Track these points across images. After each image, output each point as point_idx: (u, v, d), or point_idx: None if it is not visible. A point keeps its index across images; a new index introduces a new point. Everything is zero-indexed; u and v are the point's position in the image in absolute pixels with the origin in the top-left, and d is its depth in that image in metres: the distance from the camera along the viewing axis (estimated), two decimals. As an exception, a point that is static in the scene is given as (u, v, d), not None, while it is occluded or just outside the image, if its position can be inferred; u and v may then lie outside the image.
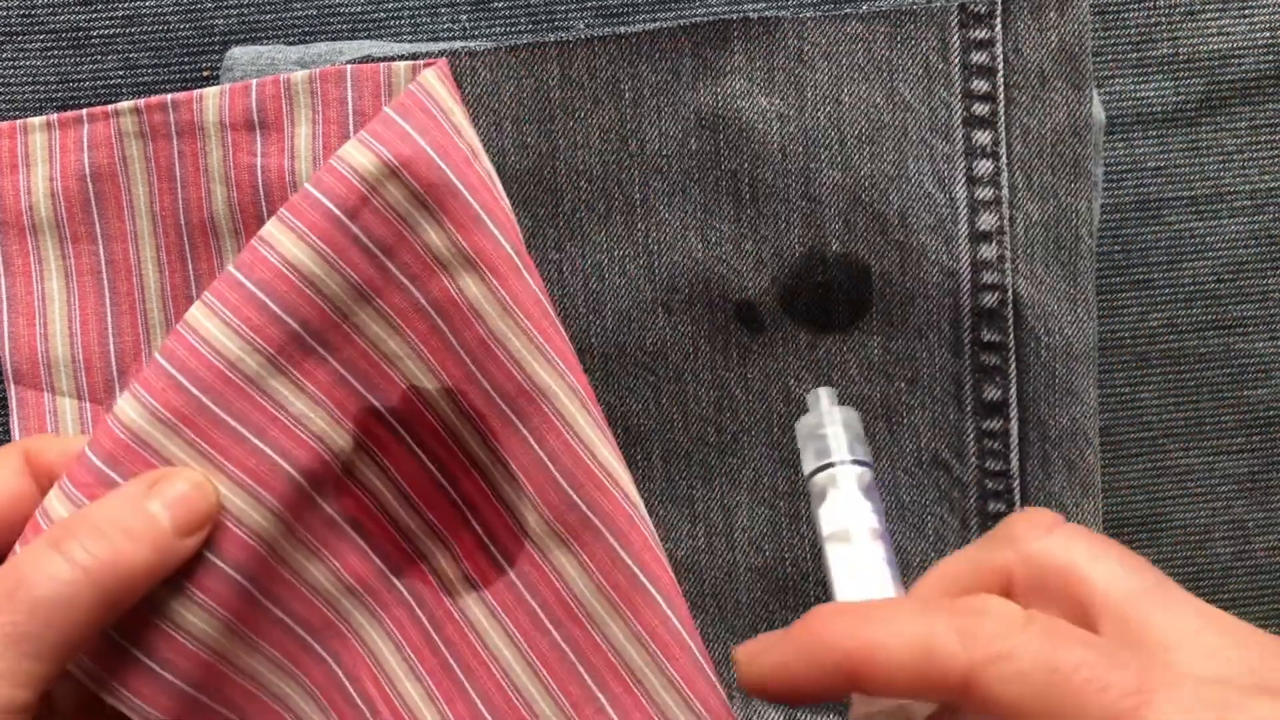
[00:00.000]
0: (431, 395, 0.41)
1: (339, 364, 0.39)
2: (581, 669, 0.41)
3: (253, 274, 0.37)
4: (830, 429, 0.37)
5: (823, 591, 0.44)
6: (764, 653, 0.31)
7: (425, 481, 0.41)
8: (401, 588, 0.42)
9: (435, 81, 0.39)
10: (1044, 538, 0.32)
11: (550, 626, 0.41)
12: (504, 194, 0.40)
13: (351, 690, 0.41)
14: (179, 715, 0.38)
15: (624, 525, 0.40)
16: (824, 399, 0.38)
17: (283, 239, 0.38)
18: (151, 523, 0.35)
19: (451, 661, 0.42)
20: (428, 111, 0.39)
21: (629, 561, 0.40)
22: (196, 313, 0.37)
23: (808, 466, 0.37)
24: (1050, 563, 0.31)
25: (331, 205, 0.38)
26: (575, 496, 0.40)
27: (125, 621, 0.36)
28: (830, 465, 0.36)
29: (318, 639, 0.41)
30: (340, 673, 0.41)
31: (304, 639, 0.41)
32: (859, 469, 0.36)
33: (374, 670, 0.41)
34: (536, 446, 0.40)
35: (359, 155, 0.38)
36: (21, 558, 0.34)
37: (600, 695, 0.40)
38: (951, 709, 0.31)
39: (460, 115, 0.40)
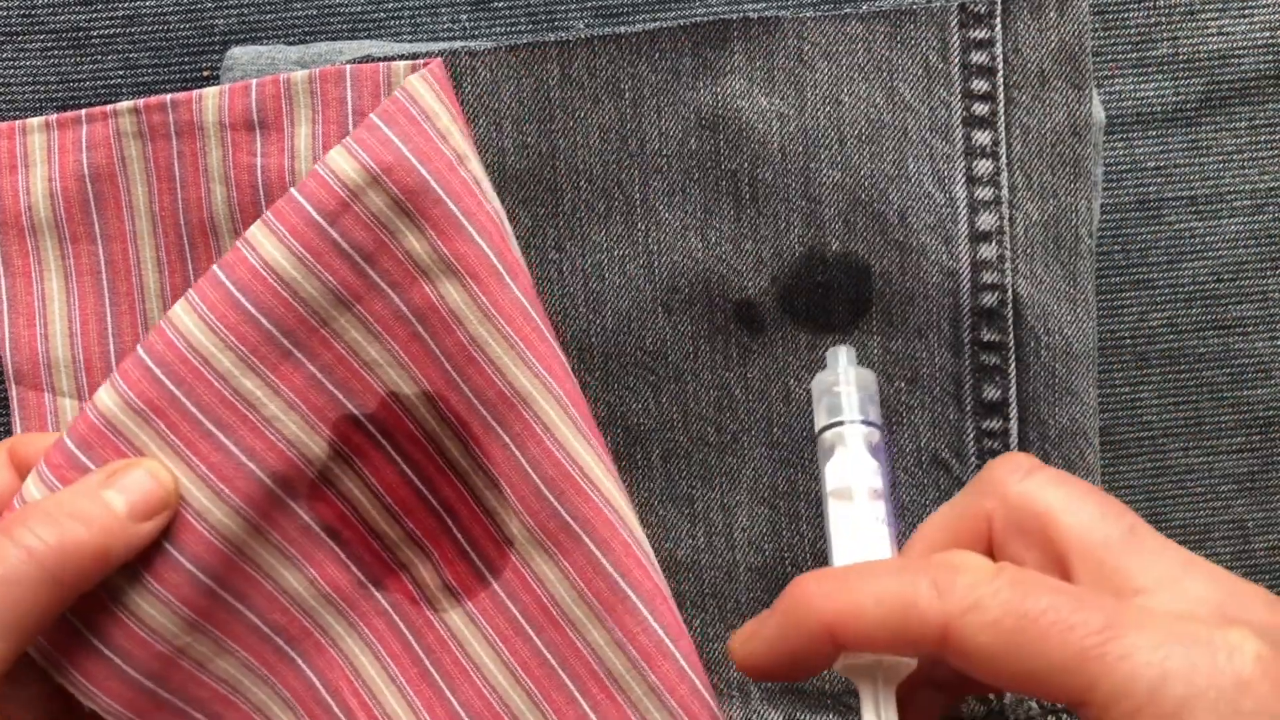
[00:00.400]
0: (411, 402, 0.41)
1: (316, 369, 0.39)
2: (564, 675, 0.40)
3: (232, 273, 0.38)
4: (844, 387, 0.38)
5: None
6: (754, 635, 0.33)
7: (405, 490, 0.41)
8: (380, 598, 0.42)
9: (420, 87, 0.39)
10: (1023, 481, 0.33)
11: (531, 633, 0.41)
12: (493, 198, 0.40)
13: (330, 701, 0.41)
14: (137, 707, 0.39)
15: (605, 532, 0.39)
16: (842, 357, 0.39)
17: (264, 241, 0.38)
18: (103, 508, 0.36)
19: (432, 670, 0.42)
20: (411, 118, 0.39)
21: (610, 568, 0.39)
22: (178, 308, 0.38)
23: (819, 422, 0.38)
24: (1028, 507, 0.32)
25: (312, 210, 0.38)
26: (556, 503, 0.40)
27: (84, 608, 0.37)
28: (840, 423, 0.37)
29: (295, 648, 0.41)
30: (318, 683, 0.41)
31: (281, 647, 0.41)
32: (867, 429, 0.37)
33: (353, 681, 0.41)
34: (518, 453, 0.40)
35: (342, 161, 0.38)
36: None
37: (582, 701, 0.40)
38: (934, 661, 0.32)
39: (446, 120, 0.39)
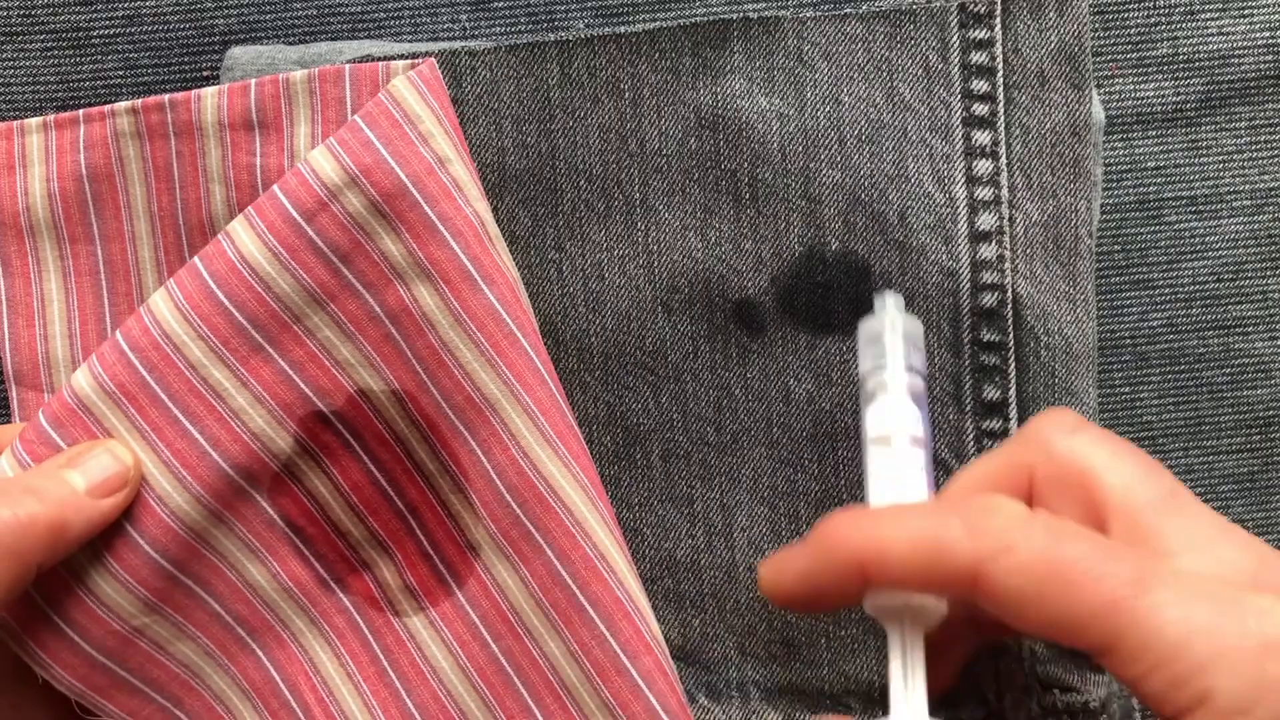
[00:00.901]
0: (381, 402, 0.41)
1: (287, 365, 0.40)
2: (519, 683, 0.41)
3: (210, 265, 0.39)
4: (889, 335, 0.38)
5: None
6: (783, 566, 0.33)
7: (370, 489, 0.41)
8: (342, 595, 0.42)
9: (405, 89, 0.40)
10: (1068, 438, 0.33)
11: (489, 639, 0.41)
12: (476, 200, 0.40)
13: (288, 695, 0.41)
14: (92, 683, 0.39)
15: (565, 544, 0.39)
16: (890, 303, 0.39)
17: (242, 235, 0.39)
18: (61, 484, 0.36)
19: (389, 670, 0.42)
20: (393, 120, 0.39)
21: (568, 580, 0.39)
22: (157, 296, 0.39)
23: (863, 367, 0.38)
24: (1071, 464, 0.32)
25: (290, 207, 0.39)
26: (519, 511, 0.40)
27: (47, 586, 0.38)
28: (883, 370, 0.37)
29: (256, 640, 0.41)
30: (278, 677, 0.41)
31: (242, 638, 0.41)
32: (911, 376, 0.37)
33: (311, 676, 0.41)
34: (483, 459, 0.40)
35: (323, 161, 0.39)
36: None
37: (536, 711, 0.40)
38: (962, 603, 0.32)
39: (430, 124, 0.40)
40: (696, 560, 0.44)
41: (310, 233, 0.39)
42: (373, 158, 0.38)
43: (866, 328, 0.39)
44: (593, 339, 0.43)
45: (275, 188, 0.39)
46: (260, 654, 0.41)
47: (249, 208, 0.39)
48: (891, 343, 0.38)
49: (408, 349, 0.40)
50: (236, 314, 0.38)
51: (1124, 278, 0.48)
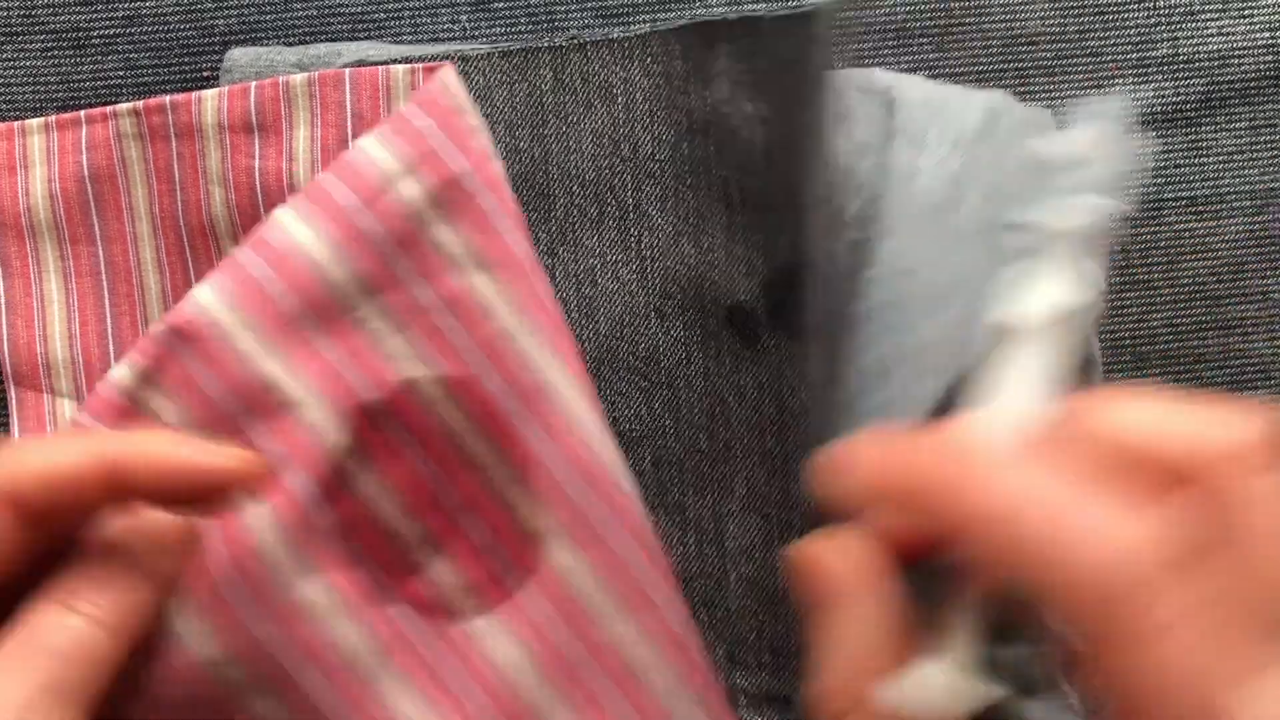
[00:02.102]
0: (433, 395, 0.40)
1: (337, 357, 0.39)
2: (587, 670, 0.40)
3: (258, 253, 0.37)
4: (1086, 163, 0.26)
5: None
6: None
7: (421, 487, 0.40)
8: (396, 601, 0.41)
9: (455, 80, 0.39)
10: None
11: (556, 629, 0.40)
12: (512, 196, 0.40)
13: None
14: None
15: (631, 526, 0.40)
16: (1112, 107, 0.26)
17: (292, 223, 0.37)
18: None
19: (447, 674, 0.41)
20: (449, 109, 0.39)
21: (632, 563, 0.40)
22: (204, 288, 0.37)
23: (1032, 213, 0.27)
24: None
25: (345, 195, 0.38)
26: (583, 497, 0.40)
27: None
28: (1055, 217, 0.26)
29: (306, 662, 0.39)
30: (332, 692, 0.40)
31: (293, 660, 0.39)
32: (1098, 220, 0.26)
33: (362, 689, 0.40)
34: (547, 445, 0.40)
35: (378, 149, 0.38)
36: (35, 619, 0.33)
37: (609, 696, 0.40)
38: None
39: (475, 117, 0.39)
40: (687, 568, 0.44)
41: (365, 222, 0.38)
42: (430, 145, 0.38)
43: (1058, 141, 0.26)
44: (585, 344, 0.43)
45: (326, 174, 0.38)
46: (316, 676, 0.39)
47: (296, 195, 0.38)
48: (1089, 170, 0.26)
49: (465, 338, 0.39)
50: (288, 304, 0.37)
51: (1124, 278, 0.48)
